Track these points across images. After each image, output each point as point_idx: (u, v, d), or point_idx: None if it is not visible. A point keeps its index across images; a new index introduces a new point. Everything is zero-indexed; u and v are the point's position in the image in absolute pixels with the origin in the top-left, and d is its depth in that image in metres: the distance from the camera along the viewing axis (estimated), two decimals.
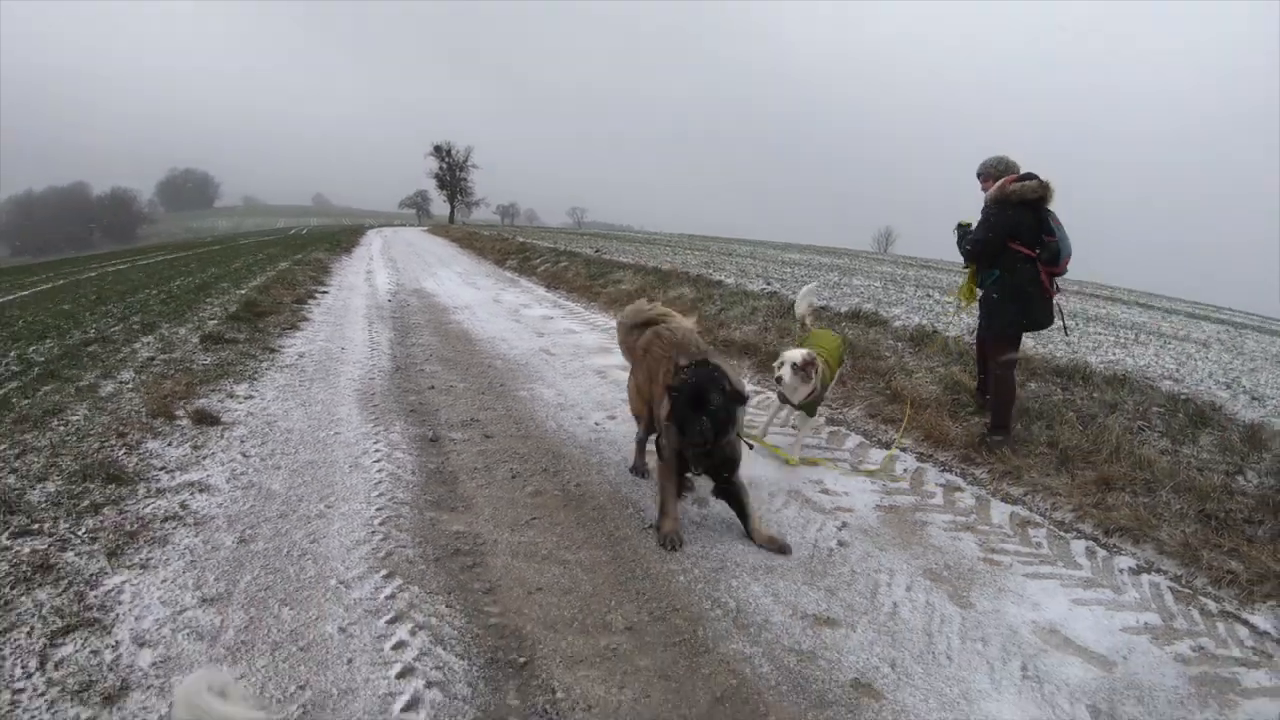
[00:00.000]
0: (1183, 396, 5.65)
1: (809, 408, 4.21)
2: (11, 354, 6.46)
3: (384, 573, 2.70)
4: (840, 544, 3.15)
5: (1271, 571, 3.00)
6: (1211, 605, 2.83)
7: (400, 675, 2.14)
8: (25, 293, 13.98)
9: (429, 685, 2.11)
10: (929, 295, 11.11)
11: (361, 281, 12.53)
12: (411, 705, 2.03)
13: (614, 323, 8.64)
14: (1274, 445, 4.35)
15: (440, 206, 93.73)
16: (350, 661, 2.20)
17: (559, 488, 3.59)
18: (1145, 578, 3.02)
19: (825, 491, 3.74)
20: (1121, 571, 3.06)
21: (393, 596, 2.54)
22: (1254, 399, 6.82)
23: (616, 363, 6.45)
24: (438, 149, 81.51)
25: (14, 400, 4.89)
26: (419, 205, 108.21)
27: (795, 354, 4.06)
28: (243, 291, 9.75)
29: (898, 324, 7.50)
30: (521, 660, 2.25)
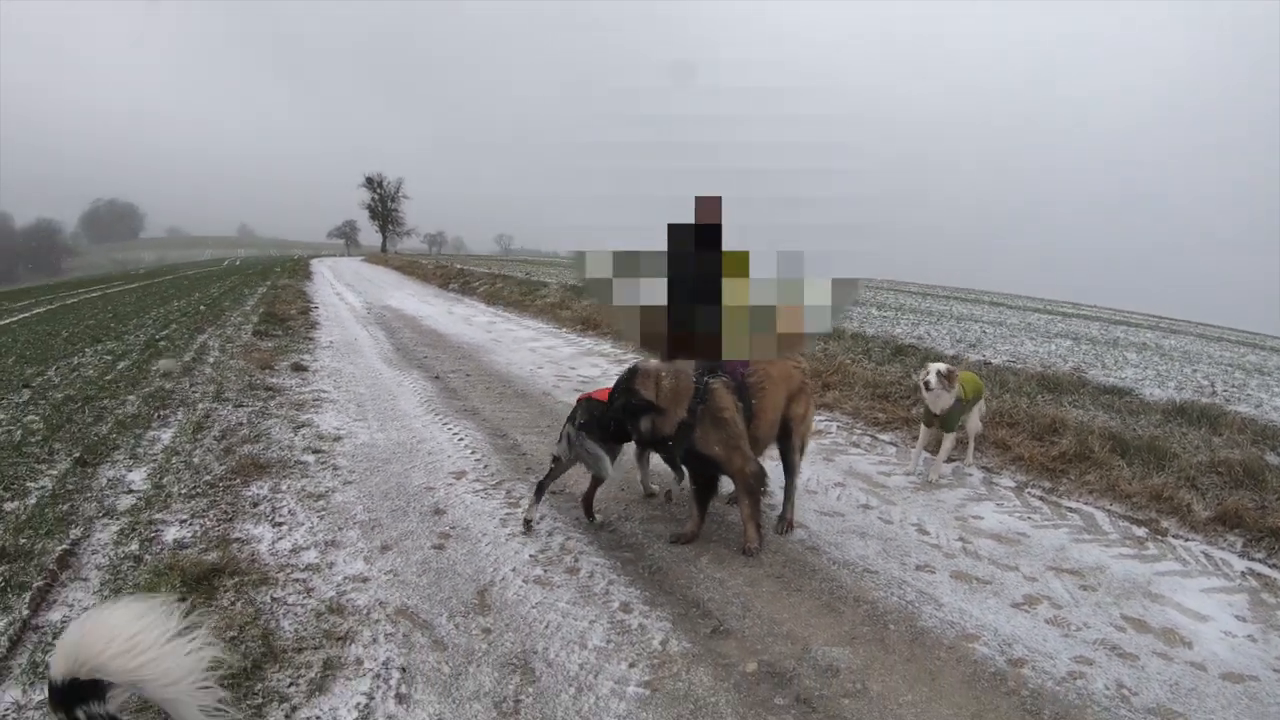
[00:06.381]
0: (904, 343, 9.32)
1: (949, 422, 4.39)
2: (86, 351, 9.02)
3: (434, 414, 5.79)
4: None
5: (899, 417, 6.21)
6: (859, 429, 6.06)
7: (455, 435, 5.24)
8: (26, 315, 15.90)
9: (467, 435, 5.22)
10: None
11: (337, 300, 15.30)
12: (462, 441, 5.13)
13: (540, 324, 11.82)
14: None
15: (368, 236, 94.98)
16: (433, 434, 5.28)
17: (513, 391, 6.73)
18: (835, 425, 6.15)
19: None
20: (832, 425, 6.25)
21: (444, 420, 5.64)
22: (970, 346, 10.76)
23: (544, 345, 9.64)
24: (369, 180, 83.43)
25: (149, 363, 7.65)
26: (347, 235, 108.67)
27: (939, 365, 4.31)
28: (249, 307, 12.44)
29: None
30: (503, 434, 5.37)
